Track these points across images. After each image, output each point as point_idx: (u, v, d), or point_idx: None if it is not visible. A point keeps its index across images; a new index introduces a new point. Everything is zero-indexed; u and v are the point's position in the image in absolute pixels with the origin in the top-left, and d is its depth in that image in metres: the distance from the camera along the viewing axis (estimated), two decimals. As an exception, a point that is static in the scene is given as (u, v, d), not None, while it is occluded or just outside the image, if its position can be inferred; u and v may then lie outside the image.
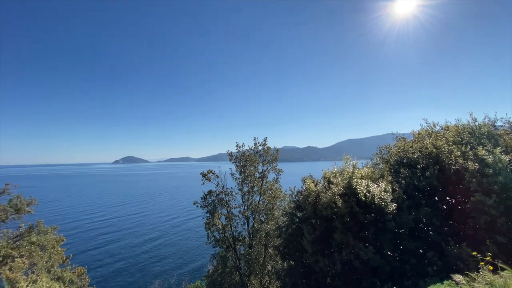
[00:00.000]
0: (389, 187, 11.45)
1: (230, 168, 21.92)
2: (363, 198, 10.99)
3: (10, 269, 12.36)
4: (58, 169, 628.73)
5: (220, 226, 19.80)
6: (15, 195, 17.83)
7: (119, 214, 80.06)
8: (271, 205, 19.97)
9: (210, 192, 19.85)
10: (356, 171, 12.54)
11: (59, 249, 18.92)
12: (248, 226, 20.49)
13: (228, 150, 22.56)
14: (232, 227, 20.56)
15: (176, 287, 31.78)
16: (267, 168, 21.01)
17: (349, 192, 11.51)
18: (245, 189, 20.92)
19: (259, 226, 19.27)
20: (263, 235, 19.29)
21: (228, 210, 20.18)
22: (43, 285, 10.72)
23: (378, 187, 11.34)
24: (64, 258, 19.27)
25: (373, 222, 11.06)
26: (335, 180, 12.50)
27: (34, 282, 11.10)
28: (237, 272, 19.06)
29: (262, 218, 20.13)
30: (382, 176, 12.64)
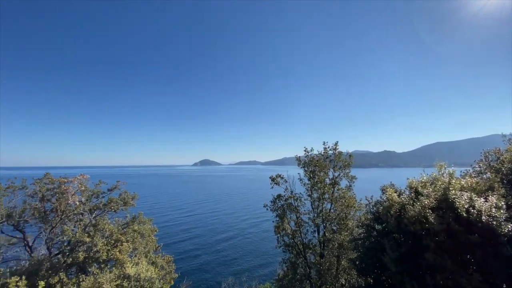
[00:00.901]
0: (503, 203, 9.17)
1: (298, 173, 21.65)
2: (465, 214, 9.10)
3: (119, 251, 15.26)
4: (151, 170, 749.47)
5: (289, 231, 19.69)
6: (123, 190, 21.97)
7: (199, 212, 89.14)
8: (344, 215, 18.72)
9: (279, 196, 20.02)
10: (454, 181, 10.52)
11: (153, 237, 22.26)
12: (318, 234, 19.72)
13: (296, 155, 22.35)
14: (302, 234, 20.16)
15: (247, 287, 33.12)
16: (338, 175, 19.86)
17: (445, 206, 9.72)
18: (315, 195, 20.26)
19: (331, 235, 18.29)
20: (335, 246, 18.21)
21: (297, 216, 19.90)
22: (143, 267, 12.74)
23: (486, 201, 9.22)
24: (157, 246, 22.54)
25: (480, 244, 9.01)
26: (425, 191, 10.78)
27: (136, 264, 13.31)
28: (308, 281, 18.50)
29: (334, 228, 19.05)
30: (491, 189, 10.22)
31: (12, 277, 11.00)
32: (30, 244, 17.63)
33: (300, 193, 20.45)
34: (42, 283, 11.08)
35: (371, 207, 14.54)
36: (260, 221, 74.19)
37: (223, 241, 56.70)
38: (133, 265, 12.92)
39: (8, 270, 14.02)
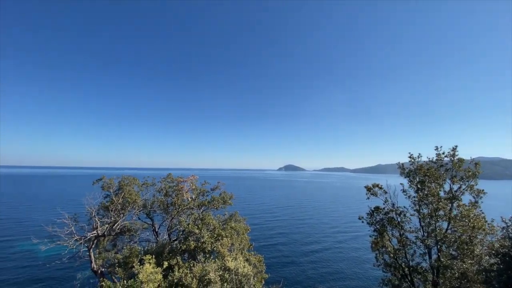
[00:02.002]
0: None
1: (401, 184, 18.84)
2: None
3: (221, 245, 17.12)
4: (241, 173, 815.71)
5: (390, 250, 17.29)
6: (222, 190, 24.68)
7: (285, 217, 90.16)
8: (468, 238, 14.98)
9: (377, 208, 17.93)
10: None
11: (246, 236, 23.95)
12: (430, 258, 16.46)
13: (399, 162, 19.56)
14: (407, 255, 17.33)
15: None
16: (459, 187, 16.11)
17: None
18: (424, 211, 17.09)
19: (449, 262, 14.94)
20: (455, 275, 14.75)
21: (401, 233, 17.25)
22: (240, 262, 13.82)
23: None
24: (249, 245, 24.11)
25: None
26: None
27: (235, 259, 14.57)
28: (416, 311, 15.69)
29: (454, 253, 15.49)
30: None
31: (146, 255, 13.95)
32: (157, 230, 22.13)
33: (404, 206, 17.71)
34: (165, 263, 13.62)
35: (510, 231, 11.16)
36: (351, 233, 68.52)
37: (310, 251, 54.78)
38: (232, 259, 14.19)
39: (142, 249, 18.00)
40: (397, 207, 17.65)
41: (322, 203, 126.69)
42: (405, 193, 18.14)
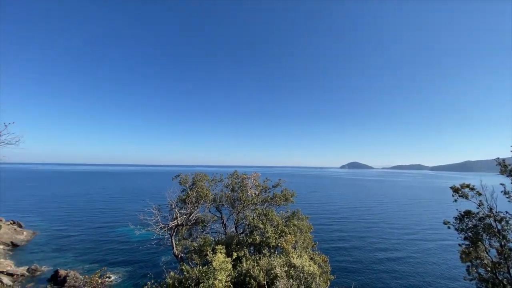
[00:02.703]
0: None
1: (501, 184, 15.51)
2: None
3: (285, 241, 17.33)
4: (300, 171, 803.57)
5: (487, 262, 14.48)
6: (284, 188, 24.88)
7: (351, 218, 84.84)
8: None
9: (468, 213, 15.23)
10: None
11: (310, 235, 23.57)
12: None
13: (498, 158, 16.17)
14: (511, 269, 14.22)
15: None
16: None
17: None
18: (538, 218, 13.70)
19: None
20: None
21: (503, 244, 14.22)
22: (306, 260, 13.74)
23: None
24: (313, 244, 23.67)
25: None
26: None
27: (300, 256, 14.56)
28: None
29: None
30: None
31: (218, 245, 15.18)
32: (225, 222, 23.83)
33: (507, 212, 14.58)
34: (235, 254, 14.57)
35: None
36: (433, 242, 59.81)
37: (382, 259, 49.46)
38: (297, 256, 14.22)
39: (214, 239, 19.67)
40: (496, 212, 14.64)
41: (394, 205, 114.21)
42: (508, 196, 14.90)
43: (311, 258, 20.34)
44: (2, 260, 47.34)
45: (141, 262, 46.88)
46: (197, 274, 12.04)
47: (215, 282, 11.07)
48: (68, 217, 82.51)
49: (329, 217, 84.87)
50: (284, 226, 19.67)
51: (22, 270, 44.05)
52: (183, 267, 13.10)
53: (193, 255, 16.21)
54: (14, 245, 55.90)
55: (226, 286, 11.49)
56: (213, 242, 18.46)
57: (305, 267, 13.36)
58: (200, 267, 12.98)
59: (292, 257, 14.75)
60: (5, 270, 43.07)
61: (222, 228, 23.90)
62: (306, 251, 20.42)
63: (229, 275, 12.50)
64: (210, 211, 24.34)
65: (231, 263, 13.36)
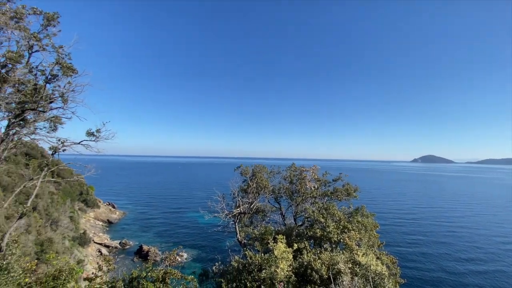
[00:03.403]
0: None
1: None
2: None
3: (348, 237, 16.59)
4: (364, 164, 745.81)
5: None
6: (345, 182, 23.66)
7: (425, 219, 74.80)
8: None
9: None
10: None
11: (375, 233, 21.92)
12: None
13: None
14: None
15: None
16: None
17: None
18: None
19: None
20: None
21: None
22: (372, 258, 12.91)
23: None
24: (379, 243, 21.96)
25: None
26: None
27: (365, 254, 13.75)
28: None
29: None
30: None
31: (279, 235, 15.51)
32: (284, 213, 24.15)
33: None
34: (296, 245, 14.68)
35: None
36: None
37: (469, 272, 41.17)
38: (362, 254, 13.48)
39: (274, 229, 20.18)
40: None
41: (484, 207, 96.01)
42: None
43: (377, 258, 19.00)
44: (101, 234, 58.56)
45: (208, 245, 51.65)
46: (260, 261, 12.61)
47: (277, 270, 11.42)
48: (149, 201, 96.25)
49: (398, 217, 76.86)
50: (347, 222, 18.81)
51: (116, 243, 53.68)
52: (246, 252, 13.88)
53: (255, 242, 17.01)
54: (109, 223, 68.35)
55: (287, 275, 11.73)
56: (274, 231, 18.95)
57: (371, 266, 12.58)
58: (262, 254, 13.53)
59: (356, 254, 14.07)
60: (103, 243, 53.24)
61: (281, 219, 24.28)
62: (371, 250, 19.16)
63: (290, 265, 12.71)
64: (269, 202, 24.99)
65: (291, 253, 13.55)
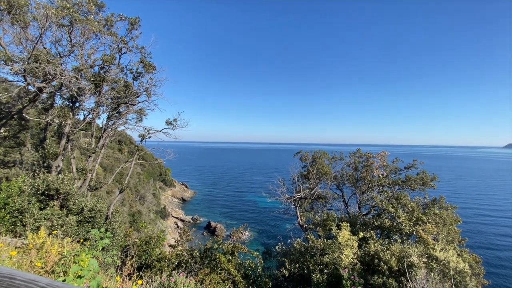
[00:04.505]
0: None
1: None
2: None
3: (423, 230, 15.03)
4: (443, 151, 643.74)
5: None
6: (421, 170, 21.12)
7: None
8: None
9: None
10: None
11: (456, 228, 19.20)
12: None
13: None
14: None
15: None
16: None
17: None
18: None
19: None
20: None
21: None
22: (452, 254, 11.48)
23: None
24: (460, 239, 19.21)
25: None
26: None
27: (443, 250, 12.29)
28: None
29: None
30: None
31: (343, 222, 15.11)
32: (346, 201, 23.22)
33: None
34: (361, 233, 14.11)
35: None
36: None
37: None
38: (440, 249, 12.09)
39: (336, 216, 19.70)
40: None
41: None
42: None
43: (458, 255, 16.79)
44: (177, 209, 67.15)
45: (269, 226, 54.00)
46: (322, 245, 12.63)
47: (341, 256, 11.27)
48: (214, 183, 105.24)
49: (485, 212, 65.02)
50: (421, 214, 17.00)
51: (189, 218, 60.96)
52: (308, 236, 14.06)
53: (317, 228, 17.00)
54: (183, 200, 77.68)
55: (352, 262, 11.48)
56: (336, 218, 18.55)
57: (451, 263, 11.22)
58: (325, 239, 13.49)
59: (433, 248, 12.72)
60: (179, 217, 61.06)
61: (344, 207, 23.46)
62: (451, 246, 16.96)
63: (355, 253, 12.36)
64: (330, 189, 24.33)
65: (357, 242, 13.10)
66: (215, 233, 48.93)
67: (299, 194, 20.61)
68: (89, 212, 11.14)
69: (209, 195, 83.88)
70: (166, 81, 13.74)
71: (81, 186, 13.94)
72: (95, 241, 8.06)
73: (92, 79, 13.66)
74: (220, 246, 11.16)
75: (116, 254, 9.23)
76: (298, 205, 21.31)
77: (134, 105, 14.25)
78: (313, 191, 21.11)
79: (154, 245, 12.19)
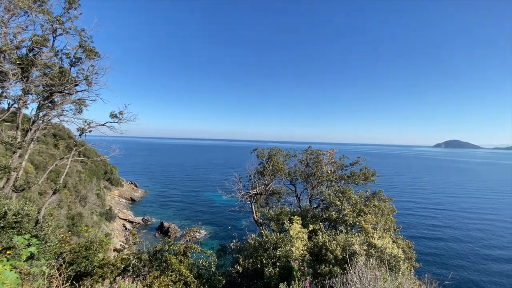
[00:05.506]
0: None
1: None
2: None
3: (364, 221, 16.61)
4: (383, 149, 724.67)
5: None
6: (364, 166, 23.28)
7: (451, 207, 72.02)
8: None
9: None
10: None
11: (392, 218, 21.75)
12: None
13: None
14: None
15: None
16: None
17: None
18: None
19: None
20: None
21: None
22: (388, 242, 12.93)
23: None
24: (395, 227, 21.83)
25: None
26: None
27: (381, 237, 13.77)
28: None
29: None
30: None
31: (295, 216, 15.79)
32: (299, 196, 24.40)
33: None
34: (311, 226, 14.94)
35: None
36: None
37: (492, 259, 40.67)
38: (378, 237, 13.51)
39: (289, 210, 20.55)
40: None
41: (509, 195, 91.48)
42: None
43: (393, 241, 18.98)
44: (125, 210, 62.35)
45: (225, 223, 53.79)
46: (275, 239, 13.02)
47: (292, 249, 11.77)
48: (168, 181, 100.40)
49: (418, 203, 75.17)
50: (363, 206, 18.77)
51: (138, 219, 57.11)
52: (262, 231, 14.34)
53: (271, 222, 17.48)
54: (132, 200, 72.38)
55: (302, 254, 12.08)
56: (289, 212, 19.31)
57: (387, 249, 12.62)
58: (278, 233, 13.93)
59: (372, 236, 14.13)
60: (127, 218, 56.80)
61: (296, 201, 24.58)
62: (388, 234, 19.13)
63: (305, 244, 13.03)
64: (284, 184, 25.26)
65: (307, 234, 13.84)
66: (168, 233, 46.85)
67: (254, 190, 20.96)
68: (14, 217, 9.53)
69: (162, 195, 79.75)
70: (111, 69, 12.43)
71: (3, 187, 11.87)
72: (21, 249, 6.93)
73: (18, 62, 11.65)
74: (172, 247, 10.66)
75: (45, 263, 8.08)
76: (254, 201, 21.66)
77: (71, 94, 12.60)
78: (268, 187, 21.68)
79: (96, 250, 11.05)
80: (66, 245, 12.09)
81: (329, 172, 21.69)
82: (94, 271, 9.68)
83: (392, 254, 12.27)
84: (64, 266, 8.44)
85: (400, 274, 10.71)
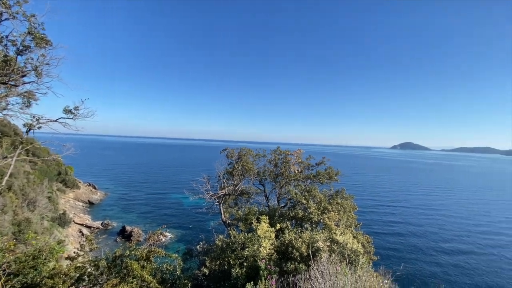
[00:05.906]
0: None
1: None
2: None
3: (328, 218, 17.41)
4: (345, 150, 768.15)
5: None
6: (328, 166, 24.41)
7: (406, 204, 77.74)
8: None
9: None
10: None
11: (353, 214, 23.14)
12: None
13: None
14: None
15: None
16: None
17: None
18: None
19: None
20: None
21: None
22: (349, 237, 13.72)
23: None
24: (356, 224, 23.26)
25: None
26: None
27: (343, 233, 14.56)
28: None
29: None
30: None
31: (262, 215, 15.99)
32: (268, 195, 24.77)
33: None
34: (278, 225, 15.25)
35: None
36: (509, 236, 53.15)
37: (441, 251, 44.76)
38: (340, 233, 14.25)
39: (258, 210, 20.75)
40: None
41: (456, 192, 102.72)
42: None
43: (354, 237, 20.17)
44: (82, 215, 57.52)
45: (192, 225, 52.34)
46: (243, 240, 13.04)
47: (260, 248, 11.89)
48: (131, 183, 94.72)
49: (376, 200, 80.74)
50: (327, 204, 19.64)
51: (97, 224, 53.07)
52: (230, 232, 14.27)
53: (239, 223, 17.47)
54: (90, 203, 67.00)
55: (269, 253, 12.27)
56: (257, 212, 19.48)
57: (348, 244, 13.37)
58: (246, 233, 13.97)
59: (334, 233, 14.85)
60: (84, 223, 52.48)
61: (265, 201, 24.91)
62: (349, 230, 20.28)
63: (272, 243, 13.25)
64: (253, 184, 25.44)
65: (274, 233, 14.10)
66: (131, 238, 44.24)
67: (223, 191, 20.79)
68: None
69: (124, 196, 75.01)
70: (65, 60, 11.35)
71: None
72: None
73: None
74: (133, 252, 10.07)
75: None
76: (222, 202, 21.47)
77: (17, 86, 11.26)
78: (237, 187, 21.66)
79: (45, 259, 10.01)
80: (10, 254, 10.79)
81: (297, 171, 22.37)
82: (43, 282, 8.77)
83: (353, 249, 13.03)
84: (8, 278, 7.56)
85: (359, 267, 11.44)
